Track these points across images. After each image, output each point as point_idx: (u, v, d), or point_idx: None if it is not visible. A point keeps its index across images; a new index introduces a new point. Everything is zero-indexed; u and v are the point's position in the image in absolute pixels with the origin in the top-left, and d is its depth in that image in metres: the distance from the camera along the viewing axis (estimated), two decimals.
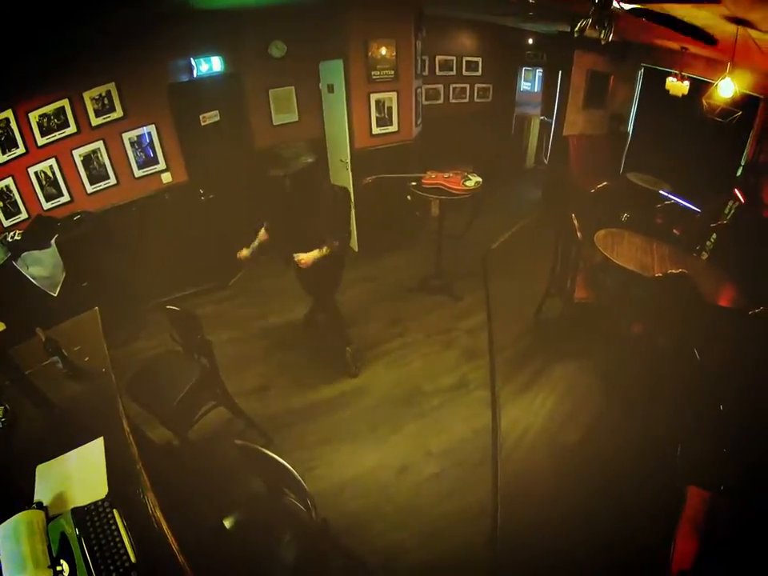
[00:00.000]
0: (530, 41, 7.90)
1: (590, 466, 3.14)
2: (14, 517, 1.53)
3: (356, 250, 5.89)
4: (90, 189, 4.13)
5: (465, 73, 7.52)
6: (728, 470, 2.42)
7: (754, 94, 4.82)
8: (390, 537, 2.74)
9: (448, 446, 3.33)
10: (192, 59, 4.50)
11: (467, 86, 7.65)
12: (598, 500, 2.87)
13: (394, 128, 5.36)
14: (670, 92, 5.30)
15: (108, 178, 4.22)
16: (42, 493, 1.70)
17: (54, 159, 3.87)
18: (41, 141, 3.77)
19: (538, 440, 3.39)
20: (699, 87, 4.80)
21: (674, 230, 5.30)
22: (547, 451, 3.30)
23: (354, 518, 2.81)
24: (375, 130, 5.26)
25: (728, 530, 2.08)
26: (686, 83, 5.14)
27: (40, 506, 1.62)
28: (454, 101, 7.59)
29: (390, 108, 5.25)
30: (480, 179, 4.29)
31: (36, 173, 3.81)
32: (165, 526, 1.54)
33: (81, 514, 1.59)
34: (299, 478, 1.74)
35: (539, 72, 8.57)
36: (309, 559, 1.74)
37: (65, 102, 3.80)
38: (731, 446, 2.57)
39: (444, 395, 3.78)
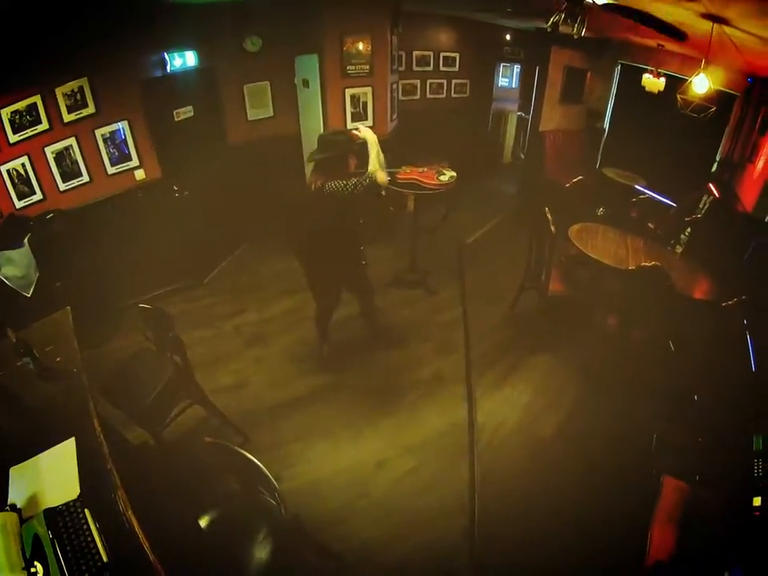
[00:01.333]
0: (508, 37, 7.92)
1: (566, 458, 3.20)
2: None
3: None
4: (62, 186, 4.06)
5: (442, 68, 7.53)
6: (703, 460, 2.45)
7: (730, 91, 4.93)
8: (368, 533, 2.76)
9: (424, 440, 3.35)
10: (165, 54, 4.45)
11: (444, 81, 7.66)
12: (574, 491, 2.92)
13: (368, 123, 5.36)
14: (647, 88, 5.38)
15: (81, 175, 4.15)
16: (16, 495, 1.70)
17: (26, 157, 3.78)
18: (12, 138, 3.68)
19: (514, 433, 3.43)
20: (675, 84, 4.89)
21: (649, 224, 5.41)
22: (524, 444, 3.35)
23: (332, 515, 2.82)
24: (350, 125, 5.25)
25: (704, 520, 2.10)
26: (662, 80, 5.23)
27: (14, 508, 1.62)
28: (430, 96, 7.59)
29: (364, 103, 5.26)
30: (454, 174, 4.32)
31: (8, 171, 3.71)
32: (136, 526, 1.54)
33: (53, 515, 1.59)
34: (267, 473, 1.75)
35: (517, 68, 8.64)
36: (282, 557, 1.75)
37: (36, 99, 3.72)
38: (706, 436, 2.62)
39: (420, 389, 3.80)
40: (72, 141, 4.02)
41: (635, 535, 2.12)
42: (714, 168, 5.35)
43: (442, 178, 4.27)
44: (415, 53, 7.16)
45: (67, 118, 3.94)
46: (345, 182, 3.06)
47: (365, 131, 3.31)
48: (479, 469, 3.12)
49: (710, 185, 4.88)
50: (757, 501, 1.94)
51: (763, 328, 2.97)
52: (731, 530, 1.97)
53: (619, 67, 6.53)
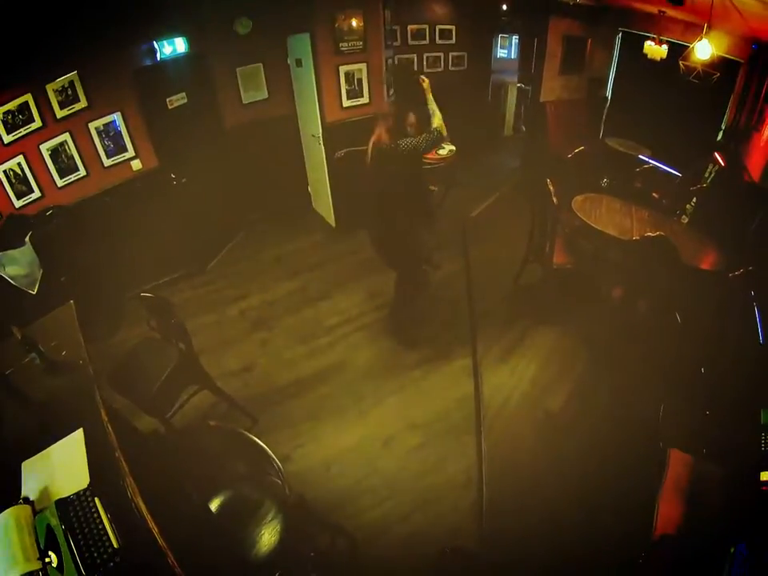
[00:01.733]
0: (504, 7, 7.73)
1: (572, 431, 3.20)
2: (1, 513, 1.57)
3: (333, 225, 5.88)
4: (60, 182, 4.05)
5: (438, 41, 7.35)
6: (710, 433, 2.44)
7: (734, 58, 4.79)
8: (377, 510, 2.79)
9: (431, 416, 3.37)
10: (155, 42, 4.38)
11: (441, 54, 7.48)
12: (581, 465, 2.93)
13: (365, 100, 5.26)
14: (649, 56, 5.25)
15: (77, 170, 4.13)
16: (29, 488, 1.73)
17: (21, 156, 3.77)
18: (7, 138, 3.66)
19: (521, 407, 3.44)
20: (678, 51, 4.75)
21: (654, 194, 5.32)
22: (530, 418, 3.35)
23: (342, 493, 2.86)
24: (346, 103, 5.16)
25: (711, 494, 2.10)
26: (665, 47, 5.10)
27: (27, 500, 1.66)
28: (428, 70, 7.36)
29: (359, 80, 5.14)
30: (453, 147, 4.27)
31: (5, 171, 3.71)
32: (144, 511, 1.57)
33: (64, 505, 1.62)
34: (271, 453, 1.77)
35: (515, 39, 8.43)
36: (290, 536, 1.78)
37: (28, 97, 3.68)
38: (713, 409, 2.60)
39: (425, 366, 3.81)
40: (66, 136, 3.99)
41: (642, 509, 2.12)
42: (720, 136, 5.23)
43: (441, 152, 4.23)
44: (410, 27, 6.98)
45: (60, 113, 3.91)
46: (417, 137, 3.04)
47: (427, 81, 3.21)
48: (486, 443, 3.14)
49: (716, 154, 4.78)
50: (764, 475, 1.93)
51: None
52: (738, 504, 1.97)
53: (620, 35, 6.35)
